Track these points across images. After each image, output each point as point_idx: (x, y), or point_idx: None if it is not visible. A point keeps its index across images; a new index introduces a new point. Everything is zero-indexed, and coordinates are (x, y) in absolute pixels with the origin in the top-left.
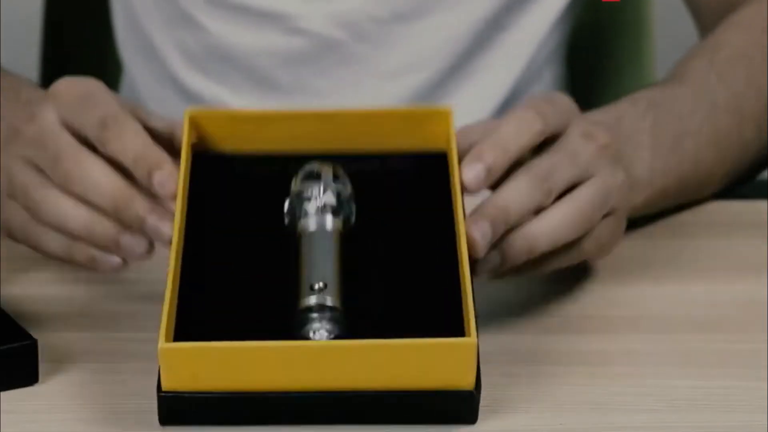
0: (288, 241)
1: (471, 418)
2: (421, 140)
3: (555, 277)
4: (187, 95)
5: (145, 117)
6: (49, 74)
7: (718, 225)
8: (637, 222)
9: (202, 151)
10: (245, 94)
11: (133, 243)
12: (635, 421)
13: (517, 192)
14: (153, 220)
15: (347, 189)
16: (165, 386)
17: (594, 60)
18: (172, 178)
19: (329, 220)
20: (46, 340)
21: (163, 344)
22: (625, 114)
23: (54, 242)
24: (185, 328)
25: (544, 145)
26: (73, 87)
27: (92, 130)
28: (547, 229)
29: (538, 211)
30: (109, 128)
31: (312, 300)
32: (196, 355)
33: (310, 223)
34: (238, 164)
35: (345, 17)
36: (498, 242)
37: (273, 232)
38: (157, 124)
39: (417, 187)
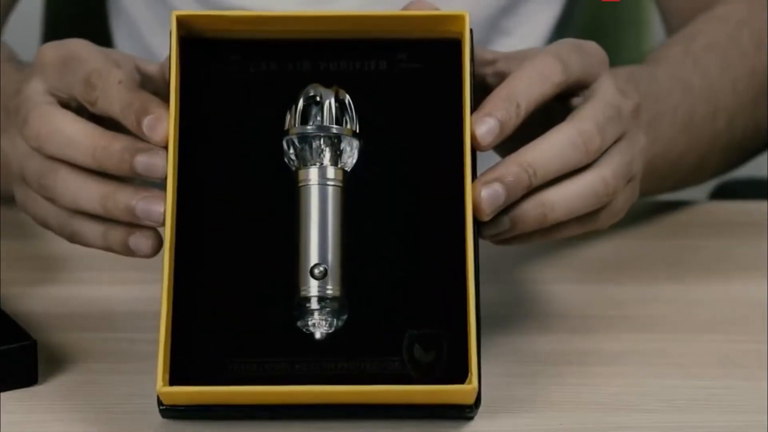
0: (289, 187)
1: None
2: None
3: (555, 277)
4: None
5: (135, 65)
6: None
7: (718, 225)
8: (632, 222)
9: (191, 39)
10: None
11: (149, 206)
12: (635, 421)
13: (556, 149)
14: (143, 159)
15: (353, 123)
16: (165, 402)
17: None
18: (161, 122)
19: (330, 173)
20: (46, 340)
21: (161, 388)
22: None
23: (90, 232)
24: (185, 327)
25: (570, 94)
26: (56, 51)
27: (79, 91)
28: (566, 198)
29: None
30: (94, 86)
31: (312, 290)
32: (195, 397)
33: (311, 175)
34: (232, 54)
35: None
36: (510, 206)
37: (273, 169)
38: (148, 68)
39: (426, 91)
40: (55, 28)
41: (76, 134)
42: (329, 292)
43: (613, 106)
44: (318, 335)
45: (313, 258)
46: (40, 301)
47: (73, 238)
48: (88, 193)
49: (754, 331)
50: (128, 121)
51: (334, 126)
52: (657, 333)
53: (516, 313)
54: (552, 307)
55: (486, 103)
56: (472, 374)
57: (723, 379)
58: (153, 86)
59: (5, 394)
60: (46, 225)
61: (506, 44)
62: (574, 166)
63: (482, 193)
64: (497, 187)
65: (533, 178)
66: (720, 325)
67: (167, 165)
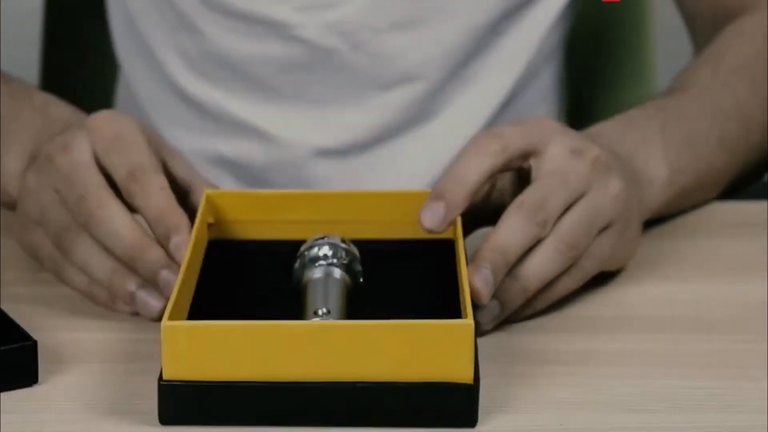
0: (295, 299)
1: (470, 417)
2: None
3: None
4: (185, 98)
5: (169, 161)
6: (49, 73)
7: (718, 225)
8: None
9: (216, 237)
10: (243, 99)
11: (148, 300)
12: (635, 421)
13: (512, 230)
14: (166, 274)
15: (353, 250)
16: (166, 375)
17: (594, 60)
18: (184, 246)
19: (336, 272)
20: (46, 340)
21: (167, 322)
22: (635, 117)
23: (77, 279)
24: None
25: (526, 167)
26: (109, 125)
27: (121, 178)
28: (535, 267)
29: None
30: (136, 181)
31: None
32: (198, 333)
33: (316, 272)
34: (250, 248)
35: (341, 26)
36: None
37: (280, 296)
38: (178, 172)
39: (424, 265)
40: (54, 25)
41: (123, 229)
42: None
43: (559, 174)
44: None
45: (318, 304)
46: (40, 301)
47: (59, 276)
48: (101, 265)
49: (754, 331)
50: (158, 233)
51: (342, 243)
52: (657, 333)
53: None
54: (552, 307)
55: (434, 188)
56: (467, 314)
57: (723, 379)
58: (178, 187)
59: (5, 394)
60: (34, 256)
61: (504, 46)
62: (534, 239)
63: (476, 278)
64: (485, 271)
65: (507, 258)
66: (720, 325)
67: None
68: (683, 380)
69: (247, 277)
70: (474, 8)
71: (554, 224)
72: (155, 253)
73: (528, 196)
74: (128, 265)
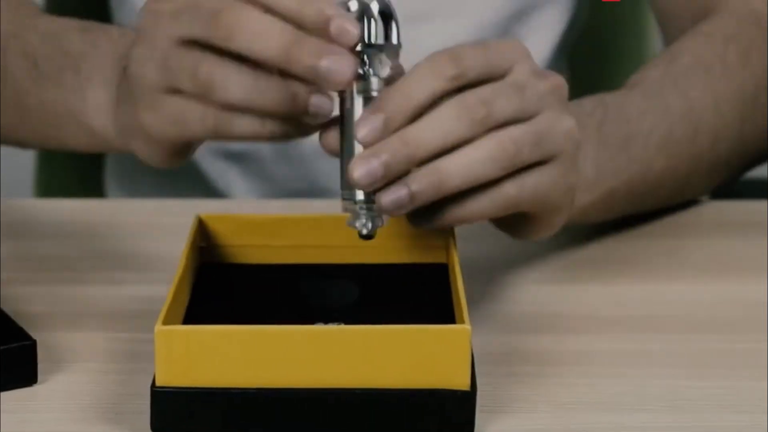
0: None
1: (467, 424)
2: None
3: (554, 277)
4: None
5: None
6: None
7: (718, 225)
8: (631, 222)
9: (207, 261)
10: None
11: (320, 101)
12: (635, 421)
13: (438, 123)
14: (329, 62)
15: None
16: (159, 381)
17: (594, 60)
18: (350, 26)
19: (375, 83)
20: (46, 340)
21: (160, 327)
22: (574, 112)
23: (247, 123)
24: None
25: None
26: None
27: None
28: (461, 164)
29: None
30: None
31: (359, 195)
32: (193, 338)
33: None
34: (244, 270)
35: None
36: (408, 177)
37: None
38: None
39: (420, 285)
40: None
41: (269, 32)
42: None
43: (515, 84)
44: (365, 232)
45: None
46: (40, 301)
47: (226, 133)
48: (268, 83)
49: (754, 331)
50: (309, 18)
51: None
52: (657, 333)
53: (516, 313)
54: (551, 307)
55: (374, 102)
56: (463, 318)
57: (723, 379)
58: None
59: (5, 394)
60: (183, 133)
61: None
62: (460, 136)
63: (357, 165)
64: (373, 162)
65: (416, 150)
66: (720, 325)
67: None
68: (683, 380)
69: (240, 297)
70: (484, 7)
71: (496, 129)
72: (313, 41)
73: (473, 92)
74: (283, 65)
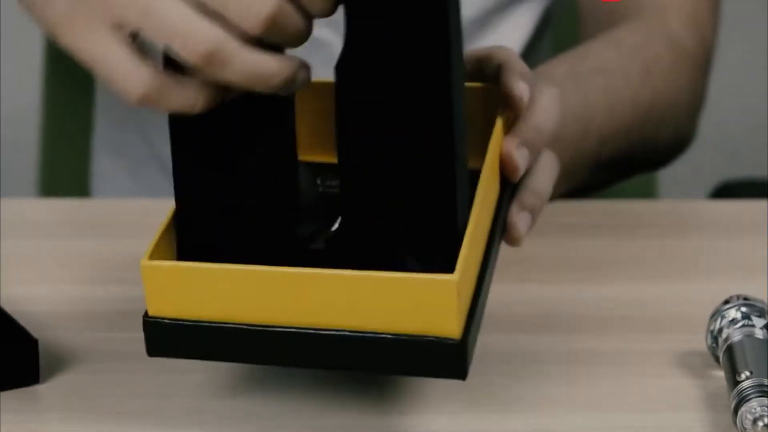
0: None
1: (460, 370)
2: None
3: (555, 277)
4: None
5: None
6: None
7: (718, 225)
8: (631, 222)
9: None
10: None
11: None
12: (635, 421)
13: (548, 176)
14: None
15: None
16: (150, 312)
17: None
18: None
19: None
20: (46, 340)
21: (145, 262)
22: None
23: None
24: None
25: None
26: None
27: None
28: (546, 176)
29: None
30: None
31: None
32: (178, 274)
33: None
34: None
35: (334, 17)
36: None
37: None
38: None
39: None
40: None
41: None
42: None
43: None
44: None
45: None
46: (40, 301)
47: (167, 103)
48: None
49: None
50: None
51: None
52: (657, 333)
53: (516, 313)
54: (552, 307)
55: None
56: (459, 267)
57: (723, 379)
58: None
59: (5, 394)
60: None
61: (489, 39)
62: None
63: (520, 222)
64: (526, 215)
65: (544, 201)
66: None
67: None
68: (683, 380)
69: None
70: (462, 2)
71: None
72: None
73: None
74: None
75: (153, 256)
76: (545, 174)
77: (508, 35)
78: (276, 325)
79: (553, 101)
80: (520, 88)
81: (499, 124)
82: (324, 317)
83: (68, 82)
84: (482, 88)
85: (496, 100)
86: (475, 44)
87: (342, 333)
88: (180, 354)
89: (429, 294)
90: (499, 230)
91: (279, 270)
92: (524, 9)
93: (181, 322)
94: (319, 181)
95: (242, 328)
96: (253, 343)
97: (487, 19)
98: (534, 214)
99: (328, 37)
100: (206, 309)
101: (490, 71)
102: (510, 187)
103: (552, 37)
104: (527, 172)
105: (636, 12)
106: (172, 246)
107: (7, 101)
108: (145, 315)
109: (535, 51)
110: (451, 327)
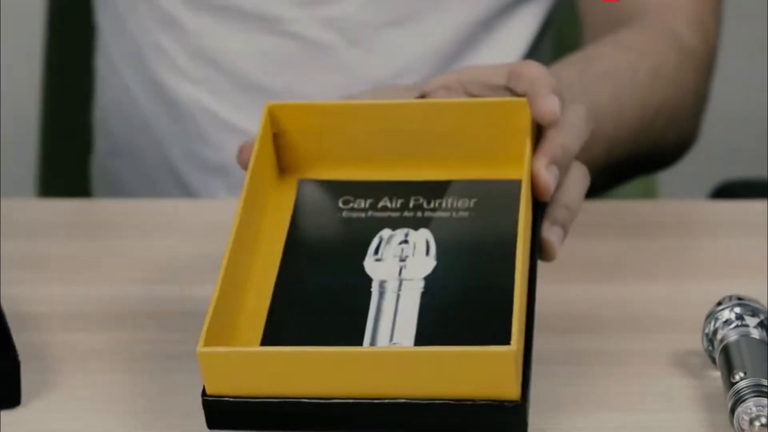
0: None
1: (522, 428)
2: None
3: (555, 277)
4: (170, 102)
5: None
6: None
7: (718, 225)
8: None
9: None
10: (229, 100)
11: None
12: (635, 421)
13: (577, 186)
14: None
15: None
16: (209, 391)
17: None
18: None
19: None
20: (46, 340)
21: (201, 348)
22: None
23: None
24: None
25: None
26: None
27: None
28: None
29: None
30: None
31: None
32: (232, 360)
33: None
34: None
35: (338, 22)
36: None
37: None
38: None
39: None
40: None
41: None
42: None
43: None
44: None
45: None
46: (40, 301)
47: None
48: None
49: None
50: None
51: None
52: (657, 333)
53: None
54: (552, 307)
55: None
56: (514, 338)
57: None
58: None
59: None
60: None
61: (494, 41)
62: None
63: (553, 237)
64: (558, 229)
65: (574, 213)
66: None
67: None
68: (683, 380)
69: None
70: (467, 4)
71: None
72: None
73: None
74: None
75: (207, 342)
76: (576, 187)
77: (513, 37)
78: (339, 396)
79: (581, 118)
80: (551, 104)
81: (528, 148)
82: (383, 389)
83: (68, 81)
84: (512, 102)
85: (525, 113)
86: (481, 46)
87: (407, 400)
88: (240, 427)
89: (488, 365)
90: (536, 254)
91: (341, 350)
92: (528, 11)
93: (240, 399)
94: (341, 203)
95: (304, 402)
96: (316, 414)
97: (491, 21)
98: (565, 227)
99: (333, 41)
100: (264, 386)
101: (520, 87)
102: (542, 204)
103: (552, 38)
104: (557, 187)
105: (639, 13)
106: (221, 329)
107: (7, 101)
108: (204, 393)
109: (537, 53)
110: (510, 391)
